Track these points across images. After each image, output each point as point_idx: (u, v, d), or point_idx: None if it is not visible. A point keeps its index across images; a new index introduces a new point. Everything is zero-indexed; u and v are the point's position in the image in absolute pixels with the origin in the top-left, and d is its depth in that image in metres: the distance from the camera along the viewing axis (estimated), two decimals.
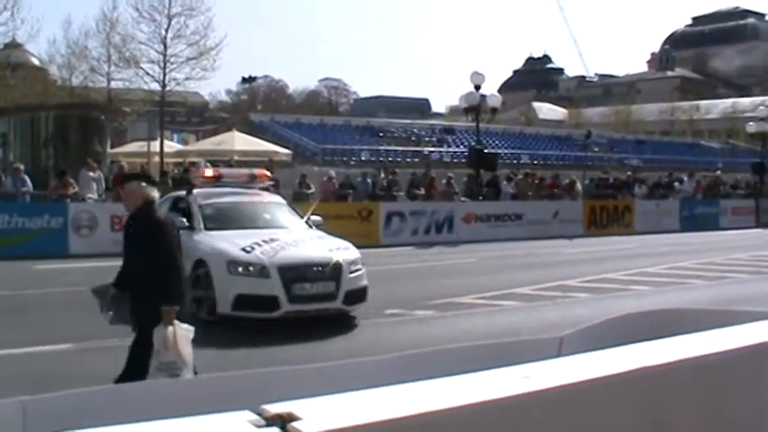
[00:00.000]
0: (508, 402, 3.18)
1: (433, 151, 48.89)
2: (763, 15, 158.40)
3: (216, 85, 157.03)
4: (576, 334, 6.34)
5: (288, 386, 3.25)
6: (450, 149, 49.75)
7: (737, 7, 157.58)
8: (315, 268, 11.55)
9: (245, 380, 3.35)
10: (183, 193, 14.41)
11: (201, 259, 11.81)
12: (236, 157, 32.38)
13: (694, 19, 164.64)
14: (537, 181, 32.80)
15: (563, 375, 3.42)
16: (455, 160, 45.24)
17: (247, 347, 10.11)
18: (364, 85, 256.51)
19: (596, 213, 31.05)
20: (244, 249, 11.58)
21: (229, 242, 11.91)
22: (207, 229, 12.70)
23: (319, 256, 11.78)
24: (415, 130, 54.78)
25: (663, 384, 3.83)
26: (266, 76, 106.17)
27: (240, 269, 11.36)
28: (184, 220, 12.62)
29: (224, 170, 16.61)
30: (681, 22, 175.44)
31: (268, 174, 16.83)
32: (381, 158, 43.80)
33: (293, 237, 12.54)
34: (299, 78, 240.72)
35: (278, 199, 14.95)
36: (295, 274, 11.34)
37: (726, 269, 19.41)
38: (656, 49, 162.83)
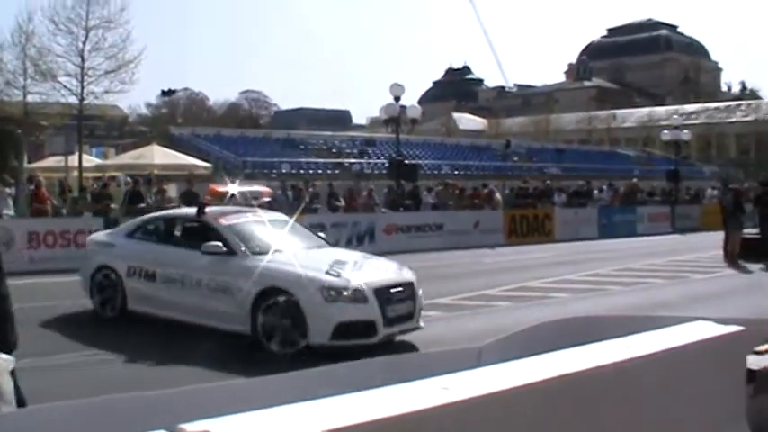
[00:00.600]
0: (428, 414, 3.18)
1: (353, 163, 48.92)
2: (675, 27, 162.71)
3: (135, 98, 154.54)
4: (495, 343, 6.39)
5: (205, 404, 3.18)
6: (370, 161, 49.83)
7: (651, 19, 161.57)
8: (398, 289, 11.26)
9: (161, 399, 3.27)
10: (189, 212, 13.64)
11: (277, 287, 10.88)
12: (155, 171, 31.90)
13: (609, 30, 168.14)
14: (457, 191, 33.04)
15: (482, 385, 3.43)
16: (376, 172, 45.30)
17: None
18: (285, 97, 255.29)
19: (516, 222, 31.44)
20: (329, 273, 10.97)
21: (306, 266, 11.08)
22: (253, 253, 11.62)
23: (398, 277, 11.59)
24: (336, 142, 54.78)
25: (583, 391, 3.87)
26: (186, 89, 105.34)
27: (336, 294, 10.67)
28: (220, 244, 11.63)
29: (232, 186, 15.74)
30: (596, 33, 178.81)
31: (269, 190, 16.10)
32: (302, 171, 43.66)
33: (351, 257, 12.15)
34: (220, 91, 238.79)
35: (283, 216, 14.20)
36: (386, 296, 10.94)
37: (643, 275, 19.84)
38: (573, 59, 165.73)
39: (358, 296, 10.68)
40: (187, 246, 12.19)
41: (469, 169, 53.61)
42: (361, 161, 49.85)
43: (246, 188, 14.62)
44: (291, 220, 13.74)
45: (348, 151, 52.57)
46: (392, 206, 30.02)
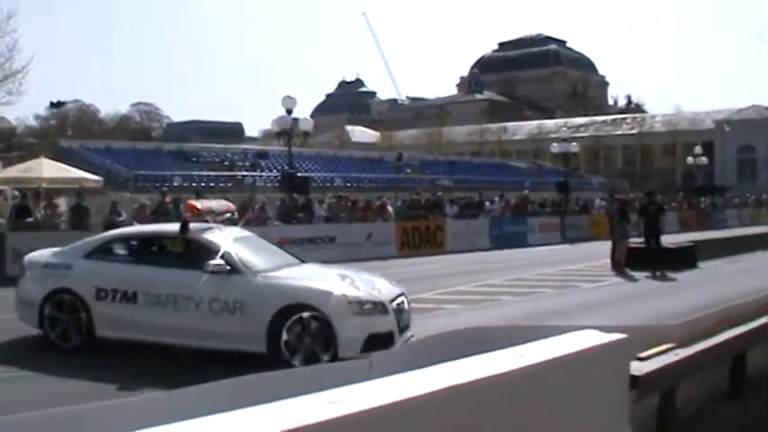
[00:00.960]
0: (315, 429, 3.12)
1: (246, 176, 48.55)
2: (564, 42, 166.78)
3: (23, 109, 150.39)
4: (386, 355, 6.37)
5: (83, 424, 3.07)
6: (263, 174, 49.55)
7: (541, 34, 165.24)
8: (402, 299, 11.52)
9: (42, 420, 3.14)
10: (169, 229, 12.85)
11: (301, 303, 10.73)
12: (44, 185, 30.97)
13: (501, 44, 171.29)
14: (350, 203, 33.06)
15: (371, 399, 3.39)
16: (269, 184, 45.11)
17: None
18: (177, 110, 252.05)
19: (408, 234, 31.62)
20: (351, 287, 11.15)
21: (325, 281, 11.31)
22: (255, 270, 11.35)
23: (397, 288, 11.86)
24: (229, 155, 54.27)
25: (474, 401, 3.87)
26: (76, 101, 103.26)
27: (362, 307, 10.79)
28: (222, 262, 11.10)
29: (206, 202, 14.18)
30: (488, 47, 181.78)
31: (233, 205, 15.34)
32: (194, 184, 43.09)
33: (347, 271, 12.26)
34: (111, 102, 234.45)
35: (246, 232, 13.52)
36: (397, 307, 11.20)
37: (534, 284, 20.19)
38: (465, 73, 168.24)
39: (380, 308, 10.91)
40: (176, 265, 11.52)
41: (362, 182, 53.81)
42: (254, 174, 49.52)
43: (215, 202, 13.53)
44: (256, 237, 13.46)
45: (240, 164, 52.15)
46: (285, 219, 29.84)
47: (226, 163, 51.49)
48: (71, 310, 11.64)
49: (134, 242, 12.58)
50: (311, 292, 10.88)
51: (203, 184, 42.91)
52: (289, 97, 32.00)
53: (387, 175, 57.44)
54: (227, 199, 17.11)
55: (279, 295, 10.82)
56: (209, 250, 11.32)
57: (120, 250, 12.24)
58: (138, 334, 11.27)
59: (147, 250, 12.31)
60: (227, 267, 11.05)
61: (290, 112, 32.04)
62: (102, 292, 11.52)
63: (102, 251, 12.17)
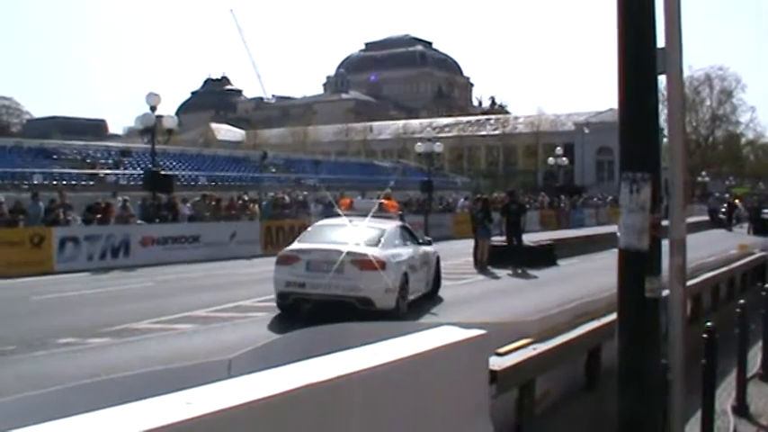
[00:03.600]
0: (171, 430, 3.05)
1: (109, 174, 47.31)
2: (430, 44, 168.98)
3: None
4: (245, 354, 6.30)
5: None
6: (126, 172, 48.31)
7: (407, 35, 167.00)
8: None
9: None
10: (400, 221, 18.14)
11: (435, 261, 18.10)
12: None
13: (367, 44, 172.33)
14: (214, 202, 32.66)
15: (228, 398, 3.34)
16: (132, 182, 44.06)
17: None
18: (37, 105, 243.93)
19: (273, 233, 31.46)
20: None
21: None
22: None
23: None
24: (91, 152, 52.63)
25: (331, 398, 3.87)
26: None
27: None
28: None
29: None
30: (355, 47, 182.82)
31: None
32: (55, 181, 41.70)
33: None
34: None
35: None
36: None
37: None
38: (332, 72, 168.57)
39: None
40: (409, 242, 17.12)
41: (227, 180, 53.19)
42: (117, 172, 48.25)
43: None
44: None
45: (103, 161, 50.70)
46: (148, 218, 29.25)
47: (88, 160, 49.94)
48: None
49: (401, 229, 17.32)
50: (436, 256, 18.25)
51: (64, 182, 41.59)
52: (153, 94, 31.32)
53: (251, 174, 56.94)
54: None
55: (431, 257, 18.00)
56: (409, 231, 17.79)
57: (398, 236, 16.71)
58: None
59: (408, 232, 17.77)
60: (421, 241, 17.97)
61: (153, 109, 31.35)
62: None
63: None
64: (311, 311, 14.58)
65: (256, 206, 34.49)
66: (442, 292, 18.13)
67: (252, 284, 19.93)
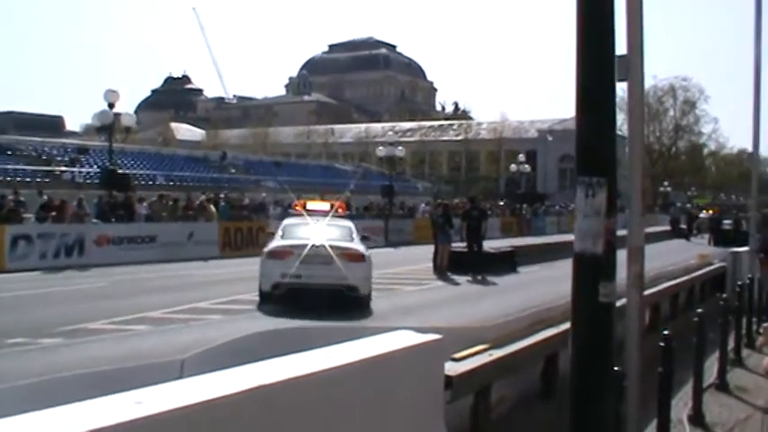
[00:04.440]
0: (119, 429, 3.03)
1: (65, 171, 46.84)
2: (394, 47, 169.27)
3: None
4: (198, 355, 6.29)
5: None
6: (83, 170, 47.85)
7: (371, 37, 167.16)
8: None
9: None
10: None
11: None
12: None
13: (331, 46, 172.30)
14: (171, 202, 32.44)
15: (179, 398, 3.33)
16: (88, 181, 43.73)
17: None
18: None
19: (231, 235, 31.35)
20: None
21: None
22: None
23: None
24: (47, 149, 52.08)
25: (283, 400, 3.86)
26: None
27: None
28: None
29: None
30: (318, 48, 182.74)
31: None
32: (9, 178, 41.22)
33: None
34: None
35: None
36: None
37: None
38: (294, 73, 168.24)
39: None
40: None
41: (185, 180, 52.83)
42: (73, 169, 47.77)
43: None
44: None
45: (59, 159, 50.19)
46: (104, 217, 28.97)
47: (44, 157, 49.40)
48: None
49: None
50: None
51: (19, 179, 41.15)
52: (111, 91, 31.06)
53: (210, 175, 56.78)
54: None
55: None
56: None
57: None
58: None
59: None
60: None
61: (112, 106, 31.08)
62: None
63: None
64: (298, 299, 16.28)
65: (214, 207, 34.27)
66: (400, 297, 18.19)
67: (209, 286, 19.87)
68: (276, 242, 17.66)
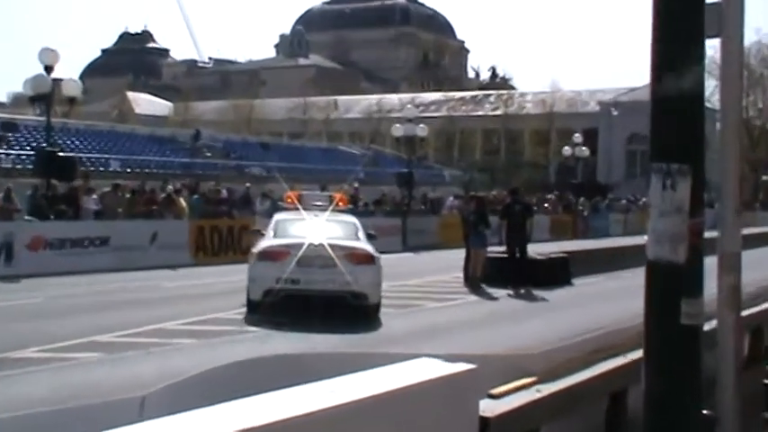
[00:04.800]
0: None
1: None
2: None
3: None
4: (163, 391, 6.27)
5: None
6: (11, 151, 47.93)
7: None
8: None
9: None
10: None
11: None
12: None
13: None
14: (130, 194, 32.44)
15: None
16: (18, 166, 43.79)
17: None
18: None
19: (206, 236, 31.35)
20: None
21: None
22: None
23: None
24: None
25: None
26: None
27: None
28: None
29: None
30: None
31: None
32: None
33: None
34: None
35: None
36: None
37: None
38: (287, 30, 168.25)
39: None
40: None
41: (147, 166, 52.92)
42: None
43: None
44: None
45: None
46: (39, 213, 28.96)
47: None
48: None
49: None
50: None
51: None
52: (48, 50, 30.96)
53: (180, 159, 56.76)
54: None
55: None
56: None
57: None
58: None
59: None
60: None
61: (49, 69, 30.98)
62: None
63: None
64: (294, 308, 16.98)
65: (185, 200, 34.23)
66: (422, 316, 18.16)
67: (177, 302, 19.92)
68: (268, 241, 18.45)
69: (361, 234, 19.01)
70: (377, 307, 17.92)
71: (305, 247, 17.40)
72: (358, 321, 17.10)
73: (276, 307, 17.01)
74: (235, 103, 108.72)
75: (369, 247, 18.33)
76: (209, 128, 74.52)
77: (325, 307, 16.89)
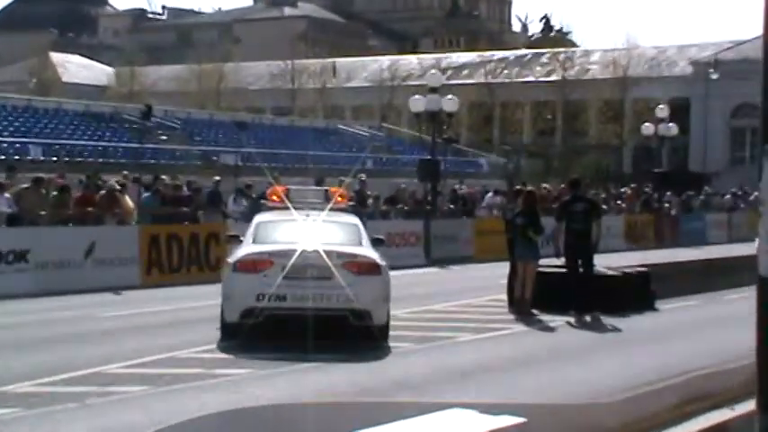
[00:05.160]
0: None
1: None
2: None
3: None
4: None
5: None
6: None
7: None
8: None
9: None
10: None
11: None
12: None
13: None
14: (57, 192, 32.45)
15: None
16: None
17: None
18: None
19: (161, 248, 31.30)
20: None
21: None
22: None
23: None
24: None
25: None
26: None
27: None
28: None
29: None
30: None
31: None
32: None
33: None
34: None
35: None
36: None
37: None
38: None
39: None
40: None
41: (80, 154, 53.13)
42: None
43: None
44: None
45: None
46: None
47: None
48: None
49: None
50: None
51: None
52: None
53: (125, 144, 56.82)
54: None
55: None
56: None
57: None
58: None
59: None
60: None
61: None
62: None
63: None
64: (284, 331, 17.75)
65: (132, 199, 34.22)
66: (453, 353, 18.16)
67: (124, 336, 19.93)
68: (247, 248, 19.00)
69: (364, 238, 19.64)
70: (384, 329, 18.52)
71: (295, 254, 17.89)
72: (363, 351, 17.20)
73: (258, 331, 17.35)
74: (199, 69, 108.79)
75: (373, 254, 18.98)
76: (164, 102, 74.71)
77: (319, 330, 17.19)
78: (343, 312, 17.86)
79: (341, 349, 17.24)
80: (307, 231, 18.78)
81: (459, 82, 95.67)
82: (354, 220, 20.81)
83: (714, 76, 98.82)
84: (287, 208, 20.19)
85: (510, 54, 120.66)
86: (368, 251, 18.94)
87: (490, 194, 49.44)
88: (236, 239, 20.19)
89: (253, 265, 18.15)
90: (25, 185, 32.35)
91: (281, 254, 17.99)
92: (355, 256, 18.43)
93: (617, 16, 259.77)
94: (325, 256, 17.71)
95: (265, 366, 16.26)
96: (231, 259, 18.76)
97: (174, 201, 35.17)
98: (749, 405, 6.02)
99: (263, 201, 24.47)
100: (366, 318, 17.97)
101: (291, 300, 17.74)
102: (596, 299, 24.52)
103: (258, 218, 20.75)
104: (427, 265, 36.94)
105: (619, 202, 54.21)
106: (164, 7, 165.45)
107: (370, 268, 18.31)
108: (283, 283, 17.64)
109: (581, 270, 25.29)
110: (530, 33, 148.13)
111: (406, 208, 43.36)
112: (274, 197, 21.41)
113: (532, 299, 24.92)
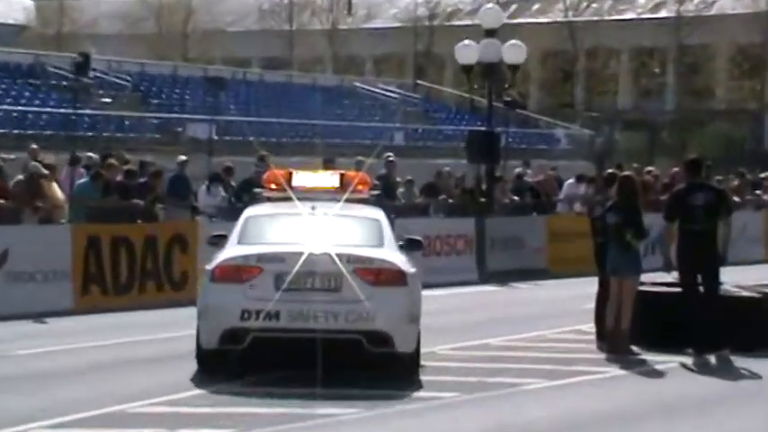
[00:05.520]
0: None
1: None
2: None
3: None
4: None
5: None
6: None
7: None
8: None
9: None
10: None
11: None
12: None
13: None
14: None
15: None
16: None
17: None
18: None
19: (104, 256, 31.28)
20: None
21: None
22: None
23: None
24: None
25: None
26: None
27: None
28: None
29: None
30: None
31: None
32: None
33: None
34: None
35: None
36: None
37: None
38: None
39: None
40: None
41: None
42: None
43: None
44: None
45: None
46: None
47: None
48: None
49: None
50: None
51: None
52: None
53: (53, 110, 57.02)
54: None
55: None
56: None
57: None
58: None
59: None
60: None
61: None
62: None
63: None
64: (278, 361, 18.03)
65: (61, 187, 34.30)
66: (521, 406, 18.16)
67: (51, 382, 19.96)
68: (229, 251, 19.32)
69: (387, 237, 20.01)
70: (413, 359, 19.02)
71: (291, 258, 18.01)
72: (388, 399, 17.17)
73: (243, 361, 17.56)
74: (157, 1, 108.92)
75: (396, 258, 19.35)
76: (107, 50, 74.91)
77: (326, 359, 17.30)
78: (356, 335, 18.00)
79: (356, 393, 17.13)
80: (310, 228, 18.91)
81: (528, 20, 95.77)
82: (376, 213, 21.04)
83: None
84: (289, 198, 20.11)
85: None
86: (389, 254, 19.14)
87: (571, 182, 49.30)
88: (224, 240, 20.03)
89: (236, 272, 18.11)
90: None
91: (273, 257, 18.10)
92: (371, 260, 18.58)
93: None
94: (336, 260, 17.78)
95: (251, 426, 16.24)
96: (209, 266, 18.76)
97: (123, 189, 35.10)
98: None
99: (257, 189, 24.44)
100: (386, 343, 18.07)
101: (287, 318, 17.78)
102: (724, 331, 24.43)
103: (248, 211, 20.80)
104: (481, 282, 37.06)
105: (758, 192, 53.94)
106: None
107: (391, 276, 18.39)
108: (276, 296, 17.65)
109: (702, 289, 25.20)
110: None
111: (450, 200, 43.27)
112: (272, 184, 21.37)
113: (631, 330, 24.89)
